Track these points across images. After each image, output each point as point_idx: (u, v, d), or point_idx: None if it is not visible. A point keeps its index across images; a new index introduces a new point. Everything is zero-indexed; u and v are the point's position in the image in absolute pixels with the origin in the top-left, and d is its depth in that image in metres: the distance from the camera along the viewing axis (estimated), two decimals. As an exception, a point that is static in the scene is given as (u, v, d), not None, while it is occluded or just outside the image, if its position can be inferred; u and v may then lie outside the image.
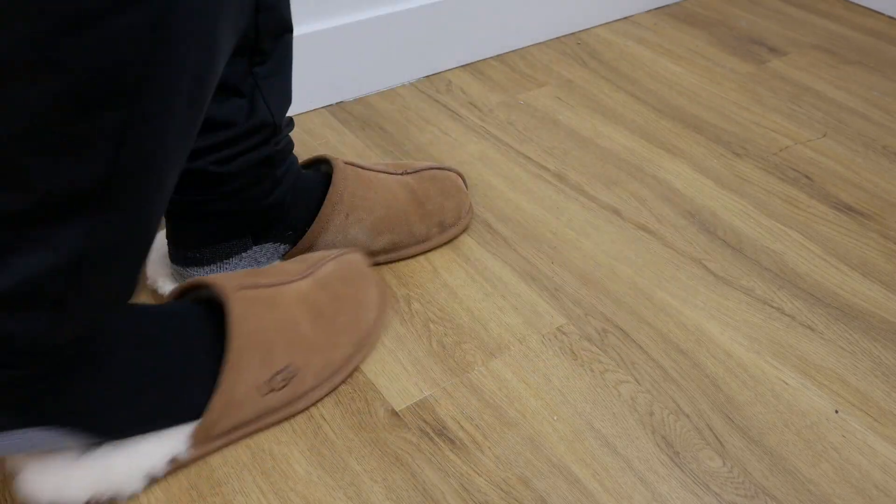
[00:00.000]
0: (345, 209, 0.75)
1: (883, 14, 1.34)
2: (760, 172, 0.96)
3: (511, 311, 0.76)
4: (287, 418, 0.65)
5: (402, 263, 0.81)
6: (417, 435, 0.65)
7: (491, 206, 0.89)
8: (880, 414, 0.68)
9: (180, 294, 0.67)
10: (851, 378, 0.71)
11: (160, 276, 0.75)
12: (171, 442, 0.59)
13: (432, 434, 0.65)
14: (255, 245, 0.74)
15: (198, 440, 0.60)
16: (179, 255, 0.72)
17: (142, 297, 0.76)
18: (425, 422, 0.66)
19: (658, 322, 0.76)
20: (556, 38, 1.24)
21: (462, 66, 1.15)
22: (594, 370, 0.71)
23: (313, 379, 0.65)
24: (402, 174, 0.81)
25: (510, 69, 1.15)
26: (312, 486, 0.61)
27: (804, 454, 0.65)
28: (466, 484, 0.61)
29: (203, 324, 0.62)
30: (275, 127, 0.69)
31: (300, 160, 0.80)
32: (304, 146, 0.97)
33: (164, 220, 0.74)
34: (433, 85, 1.11)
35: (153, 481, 0.61)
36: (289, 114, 0.90)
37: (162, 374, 0.59)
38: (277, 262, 0.71)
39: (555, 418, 0.67)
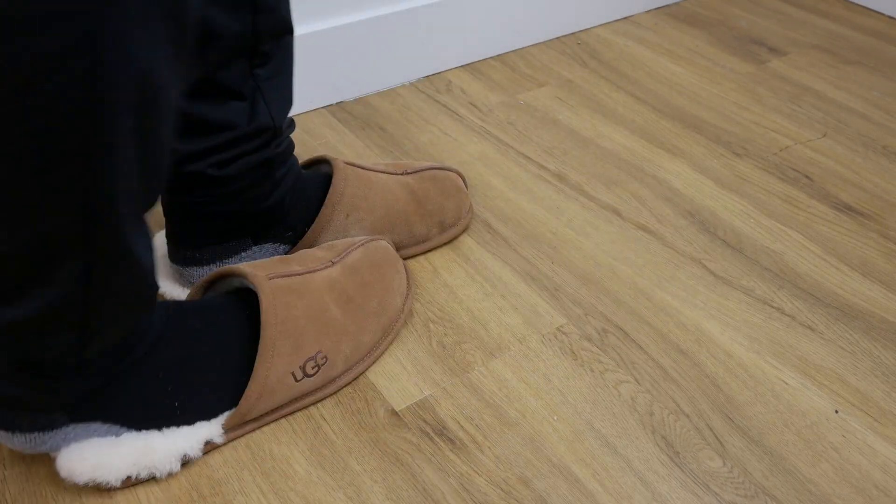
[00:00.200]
0: (345, 209, 0.75)
1: (883, 14, 1.34)
2: (760, 172, 0.96)
3: (511, 311, 0.76)
4: (317, 402, 0.67)
5: (402, 263, 0.81)
6: (417, 435, 0.65)
7: (491, 206, 0.89)
8: (880, 414, 0.68)
9: (211, 282, 0.68)
10: (851, 378, 0.71)
11: (160, 276, 0.75)
12: (207, 427, 0.62)
13: (432, 434, 0.65)
14: (255, 245, 0.74)
15: (232, 425, 0.63)
16: (179, 255, 0.72)
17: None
18: (425, 422, 0.66)
19: (658, 322, 0.76)
20: (556, 38, 1.24)
21: (462, 66, 1.15)
22: (594, 370, 0.71)
23: (343, 364, 0.67)
24: (402, 174, 0.81)
25: (510, 69, 1.15)
26: (312, 486, 0.61)
27: (804, 454, 0.65)
28: (466, 484, 0.61)
29: (236, 315, 0.65)
30: (275, 130, 0.69)
31: (300, 160, 0.80)
32: (304, 146, 0.97)
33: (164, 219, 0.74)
34: (433, 85, 1.11)
35: (150, 479, 0.61)
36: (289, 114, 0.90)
37: (200, 367, 0.62)
38: (305, 250, 0.72)
39: (555, 418, 0.67)
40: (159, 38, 0.46)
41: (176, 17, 0.46)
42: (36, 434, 0.57)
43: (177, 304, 0.64)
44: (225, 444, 0.63)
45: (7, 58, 0.41)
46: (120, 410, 0.59)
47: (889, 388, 0.70)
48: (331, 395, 0.67)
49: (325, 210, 0.74)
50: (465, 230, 0.85)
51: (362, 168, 0.79)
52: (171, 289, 0.75)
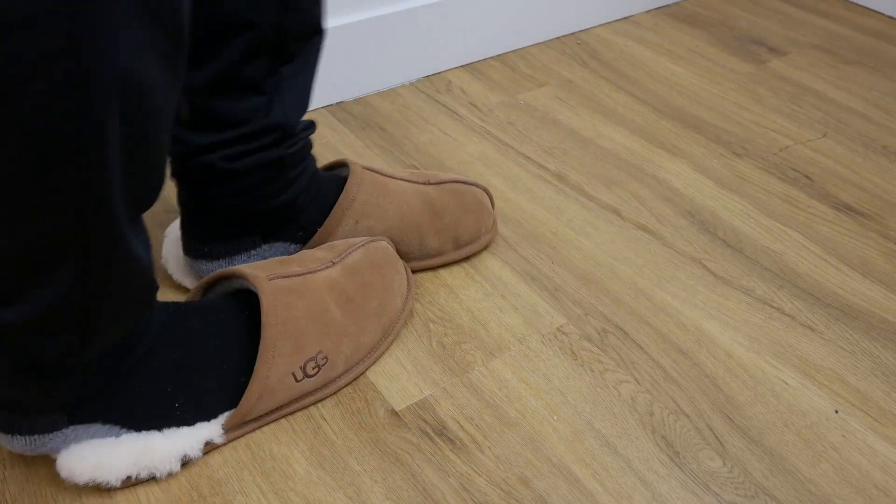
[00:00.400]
0: (355, 215, 0.75)
1: (883, 14, 1.34)
2: (760, 172, 0.96)
3: (511, 311, 0.76)
4: (317, 402, 0.67)
5: (402, 263, 0.81)
6: (417, 435, 0.65)
7: (491, 206, 0.89)
8: (880, 414, 0.68)
9: (212, 284, 0.68)
10: (851, 378, 0.71)
11: (170, 260, 0.76)
12: (207, 427, 0.62)
13: (432, 434, 0.65)
14: (265, 244, 0.74)
15: (233, 425, 0.63)
16: (190, 248, 0.73)
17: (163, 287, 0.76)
18: (425, 422, 0.66)
19: (658, 322, 0.76)
20: (556, 38, 1.24)
21: (462, 66, 1.15)
22: (594, 370, 0.71)
23: (343, 364, 0.67)
24: (424, 184, 0.78)
25: (510, 69, 1.15)
26: (312, 486, 0.61)
27: (804, 454, 0.65)
28: (466, 484, 0.61)
29: (236, 315, 0.65)
30: (286, 129, 0.69)
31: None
32: (304, 146, 0.97)
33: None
34: (433, 85, 1.11)
35: (150, 479, 0.61)
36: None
37: (199, 367, 0.62)
38: (305, 251, 0.72)
39: (555, 418, 0.67)
40: (145, 41, 0.46)
41: (164, 19, 0.46)
42: (36, 436, 0.57)
43: (176, 305, 0.64)
44: (225, 444, 0.63)
45: None
46: (120, 411, 0.59)
47: (889, 388, 0.70)
48: (331, 395, 0.67)
49: (334, 214, 0.74)
50: (484, 249, 0.82)
51: (382, 174, 0.77)
52: (183, 280, 0.76)
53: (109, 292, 0.53)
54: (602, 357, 0.72)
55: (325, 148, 0.97)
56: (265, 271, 0.65)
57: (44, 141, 0.45)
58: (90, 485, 0.59)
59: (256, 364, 0.62)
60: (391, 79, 1.09)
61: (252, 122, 0.67)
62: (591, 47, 1.22)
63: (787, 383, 0.70)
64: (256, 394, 0.62)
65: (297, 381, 0.64)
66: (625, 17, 1.30)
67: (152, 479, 0.61)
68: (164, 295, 0.76)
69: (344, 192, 0.74)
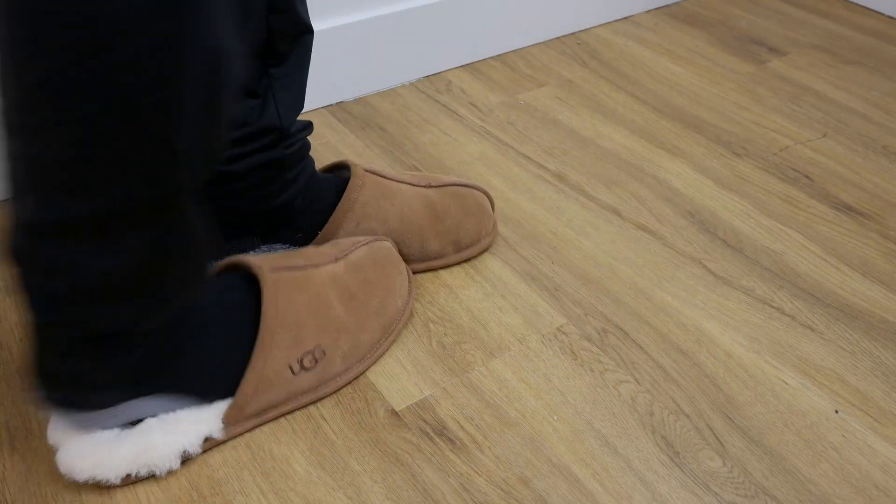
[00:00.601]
0: (356, 217, 0.75)
1: (883, 14, 1.34)
2: (760, 172, 0.96)
3: (511, 311, 0.76)
4: (315, 401, 0.66)
5: (402, 263, 0.81)
6: (417, 435, 0.65)
7: (491, 206, 0.89)
8: (880, 414, 0.68)
9: (218, 273, 0.68)
10: (851, 378, 0.71)
11: None
12: (206, 422, 0.62)
13: (432, 434, 0.65)
14: (264, 245, 0.74)
15: (231, 420, 0.63)
16: None
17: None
18: (425, 422, 0.66)
19: (658, 322, 0.76)
20: (556, 38, 1.24)
21: (462, 66, 1.15)
22: (594, 370, 0.71)
23: (341, 361, 0.67)
24: (425, 187, 0.78)
25: (510, 69, 1.15)
26: (312, 486, 0.61)
27: (804, 454, 0.65)
28: (466, 484, 0.61)
29: (244, 299, 0.65)
30: (281, 130, 0.69)
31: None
32: (304, 146, 0.97)
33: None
34: (433, 85, 1.11)
35: (154, 477, 0.61)
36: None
37: (233, 342, 0.63)
38: (310, 247, 0.72)
39: (555, 418, 0.67)
40: (226, 11, 0.47)
41: None
42: (100, 412, 0.58)
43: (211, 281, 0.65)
44: (225, 441, 0.63)
45: (94, 17, 0.43)
46: (179, 382, 0.60)
47: (889, 388, 0.70)
48: (330, 394, 0.67)
49: (335, 215, 0.74)
50: (484, 251, 0.82)
51: (384, 177, 0.77)
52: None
53: (177, 257, 0.54)
54: (602, 357, 0.72)
55: (325, 148, 0.97)
56: (269, 262, 0.65)
57: (129, 103, 0.46)
58: (90, 482, 0.59)
59: (253, 354, 0.62)
60: (391, 79, 1.09)
61: (247, 124, 0.67)
62: (591, 47, 1.22)
63: (787, 383, 0.70)
64: (252, 384, 0.62)
65: (293, 373, 0.64)
66: (625, 17, 1.30)
67: (152, 477, 0.61)
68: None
69: (346, 193, 0.74)
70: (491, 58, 1.18)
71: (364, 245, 0.72)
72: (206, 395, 0.62)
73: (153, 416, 0.60)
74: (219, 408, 0.62)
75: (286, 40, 0.67)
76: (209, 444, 0.62)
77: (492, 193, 0.90)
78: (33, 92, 0.46)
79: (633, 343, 0.73)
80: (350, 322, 0.67)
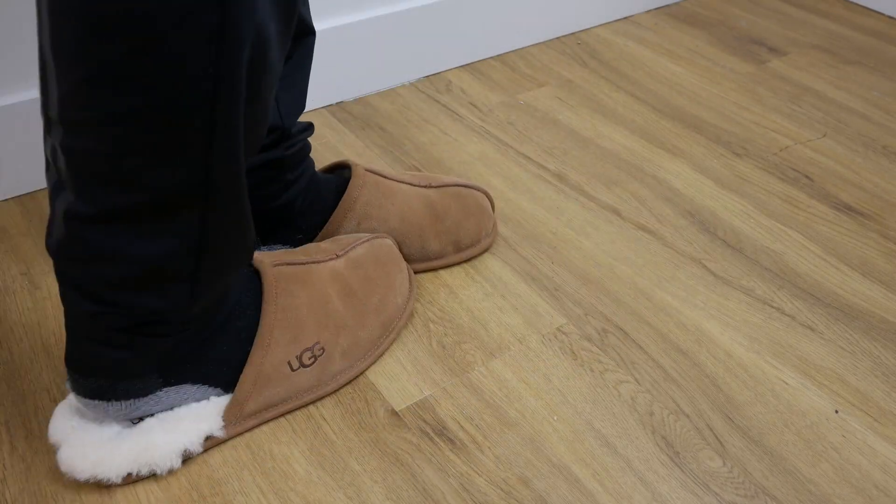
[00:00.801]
0: (356, 217, 0.75)
1: (883, 14, 1.34)
2: (760, 172, 0.96)
3: (511, 311, 0.76)
4: (316, 400, 0.66)
5: (402, 263, 0.81)
6: (417, 435, 0.65)
7: (491, 206, 0.89)
8: (880, 414, 0.68)
9: None
10: (851, 378, 0.71)
11: None
12: (207, 421, 0.61)
13: (432, 434, 0.65)
14: (264, 246, 0.74)
15: (231, 418, 0.63)
16: None
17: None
18: (425, 422, 0.66)
19: (658, 322, 0.76)
20: (556, 38, 1.24)
21: (462, 66, 1.15)
22: (594, 370, 0.71)
23: (341, 359, 0.67)
24: (425, 187, 0.79)
25: (510, 69, 1.15)
26: (312, 486, 0.61)
27: (804, 454, 0.65)
28: (466, 484, 0.61)
29: (247, 294, 0.65)
30: (283, 131, 0.69)
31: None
32: (304, 146, 0.97)
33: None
34: (433, 85, 1.11)
35: (154, 477, 0.61)
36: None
37: (240, 337, 0.63)
38: (311, 243, 0.72)
39: (555, 418, 0.67)
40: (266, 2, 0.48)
41: None
42: (132, 401, 0.59)
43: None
44: (225, 440, 0.63)
45: (141, 12, 0.44)
46: (207, 371, 0.60)
47: (889, 388, 0.70)
48: (331, 392, 0.67)
49: (336, 215, 0.74)
50: (484, 252, 0.82)
51: (384, 177, 0.77)
52: None
53: (220, 242, 0.55)
54: (602, 357, 0.72)
55: (326, 148, 0.97)
56: (270, 258, 0.66)
57: (182, 90, 0.46)
58: (91, 481, 0.59)
59: (252, 349, 0.62)
60: (391, 79, 1.09)
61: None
62: (591, 47, 1.22)
63: (787, 383, 0.70)
64: (251, 381, 0.62)
65: (292, 370, 0.64)
66: (625, 17, 1.30)
67: (152, 477, 0.61)
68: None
69: (346, 193, 0.74)
70: (491, 58, 1.18)
71: (365, 242, 0.72)
72: (227, 386, 0.62)
73: (179, 406, 0.61)
74: (219, 406, 0.62)
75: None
76: (210, 443, 0.62)
77: (492, 193, 0.90)
78: (78, 89, 0.46)
79: (633, 343, 0.73)
80: (350, 319, 0.67)
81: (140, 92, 0.46)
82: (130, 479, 0.60)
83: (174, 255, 0.53)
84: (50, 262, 0.79)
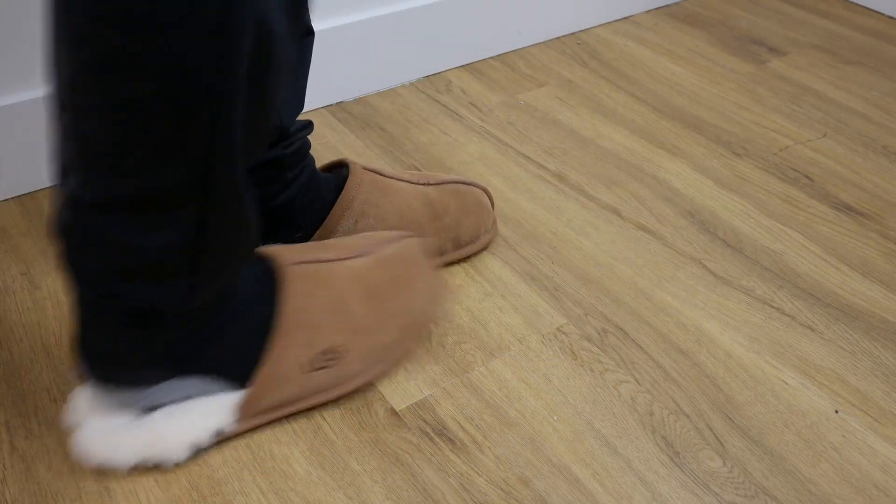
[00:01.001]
0: (354, 215, 0.74)
1: (883, 14, 1.34)
2: (760, 172, 0.96)
3: (511, 311, 0.76)
4: (332, 400, 0.66)
5: (402, 263, 0.81)
6: (417, 435, 0.65)
7: (491, 206, 0.89)
8: (880, 414, 0.68)
9: None
10: (851, 378, 0.71)
11: None
12: (218, 415, 0.61)
13: (432, 434, 0.65)
14: (264, 244, 0.74)
15: (244, 414, 0.62)
16: None
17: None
18: (425, 422, 0.66)
19: (658, 322, 0.76)
20: (556, 38, 1.24)
21: (462, 66, 1.15)
22: (594, 370, 0.71)
23: (358, 362, 0.66)
24: (424, 184, 0.78)
25: (510, 69, 1.15)
26: (312, 486, 0.61)
27: (804, 454, 0.65)
28: (466, 484, 0.61)
29: (265, 289, 0.64)
30: (282, 130, 0.69)
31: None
32: (304, 146, 0.97)
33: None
34: (433, 85, 1.11)
35: (154, 476, 0.61)
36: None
37: (256, 333, 0.62)
38: (342, 238, 0.71)
39: (555, 418, 0.67)
40: None
41: None
42: (141, 390, 0.59)
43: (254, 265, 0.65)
44: (234, 435, 0.63)
45: (139, 8, 0.44)
46: (217, 363, 0.60)
47: (889, 388, 0.70)
48: (346, 395, 0.67)
49: (333, 213, 0.74)
50: (483, 249, 0.82)
51: (382, 175, 0.77)
52: None
53: (220, 240, 0.55)
54: (602, 357, 0.72)
55: (325, 148, 0.97)
56: (293, 254, 0.65)
57: (182, 86, 0.46)
58: (101, 468, 0.60)
59: (268, 350, 0.62)
60: (391, 79, 1.09)
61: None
62: (591, 47, 1.22)
63: (787, 383, 0.70)
64: (266, 380, 0.62)
65: (308, 371, 0.63)
66: (625, 17, 1.30)
67: (152, 476, 0.61)
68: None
69: (344, 191, 0.74)
70: (491, 58, 1.18)
71: (395, 241, 0.70)
72: (237, 380, 0.62)
73: (189, 398, 0.61)
74: (231, 400, 0.62)
75: None
76: (221, 437, 0.62)
77: (491, 191, 0.90)
78: (85, 73, 0.47)
79: (633, 343, 0.73)
80: (368, 322, 0.66)
81: (143, 80, 0.46)
82: (138, 469, 0.60)
83: (172, 249, 0.53)
84: (50, 262, 0.79)
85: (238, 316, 0.61)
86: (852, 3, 1.37)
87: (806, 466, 0.64)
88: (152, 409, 0.60)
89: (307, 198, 0.74)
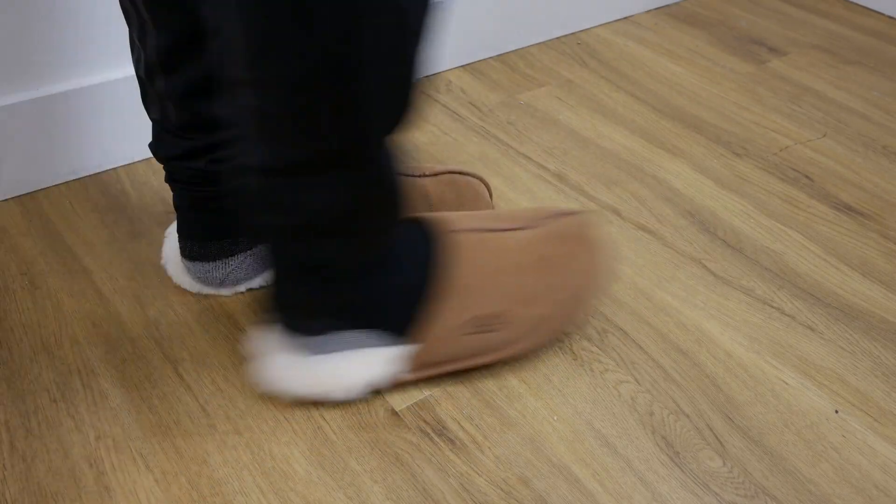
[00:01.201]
0: None
1: (883, 14, 1.34)
2: (760, 172, 0.96)
3: (511, 311, 0.76)
4: (486, 364, 0.68)
5: (402, 263, 0.81)
6: (417, 435, 0.65)
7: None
8: (880, 414, 0.68)
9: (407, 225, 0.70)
10: (851, 378, 0.71)
11: (170, 262, 0.76)
12: (395, 362, 0.65)
13: (432, 434, 0.65)
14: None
15: (416, 365, 0.66)
16: (186, 249, 0.73)
17: (164, 288, 0.76)
18: (425, 422, 0.66)
19: (658, 322, 0.76)
20: (556, 38, 1.24)
21: (462, 66, 1.15)
22: (594, 370, 0.71)
23: (516, 331, 0.68)
24: (419, 176, 0.79)
25: (510, 69, 1.15)
26: (312, 486, 0.61)
27: (804, 454, 0.65)
28: (466, 484, 0.61)
29: (429, 252, 0.67)
30: None
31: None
32: (304, 146, 0.97)
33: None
34: (433, 85, 1.11)
35: (155, 477, 0.61)
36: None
37: (417, 293, 0.66)
38: (510, 209, 0.73)
39: (555, 418, 0.67)
40: None
41: None
42: (313, 337, 0.64)
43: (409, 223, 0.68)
44: (415, 381, 0.68)
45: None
46: (379, 318, 0.64)
47: (889, 388, 0.70)
48: (501, 360, 0.68)
49: None
50: None
51: None
52: (182, 281, 0.75)
53: (371, 204, 0.58)
54: (602, 357, 0.72)
55: (325, 148, 0.97)
56: (465, 222, 0.67)
57: (319, 61, 0.49)
58: (277, 394, 0.66)
59: (436, 309, 0.64)
60: (391, 79, 1.09)
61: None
62: (591, 47, 1.22)
63: (787, 383, 0.70)
64: (434, 336, 0.65)
65: (469, 334, 0.66)
66: (625, 17, 1.30)
67: (152, 477, 0.61)
68: (166, 295, 0.76)
69: None
70: (491, 58, 1.18)
71: (565, 216, 0.71)
72: (399, 335, 0.65)
73: (354, 349, 0.64)
74: (407, 351, 0.65)
75: None
76: (396, 383, 0.66)
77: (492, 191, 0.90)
78: (260, 50, 0.49)
79: (633, 343, 0.73)
80: (530, 293, 0.67)
81: (285, 59, 0.49)
82: (315, 399, 0.65)
83: (324, 214, 0.58)
84: (50, 262, 0.79)
85: (404, 276, 0.64)
86: (852, 3, 1.37)
87: (806, 466, 0.64)
88: (324, 354, 0.65)
89: None
